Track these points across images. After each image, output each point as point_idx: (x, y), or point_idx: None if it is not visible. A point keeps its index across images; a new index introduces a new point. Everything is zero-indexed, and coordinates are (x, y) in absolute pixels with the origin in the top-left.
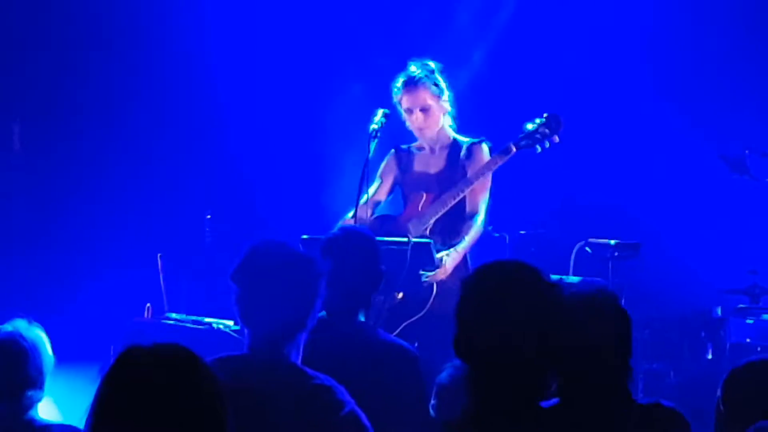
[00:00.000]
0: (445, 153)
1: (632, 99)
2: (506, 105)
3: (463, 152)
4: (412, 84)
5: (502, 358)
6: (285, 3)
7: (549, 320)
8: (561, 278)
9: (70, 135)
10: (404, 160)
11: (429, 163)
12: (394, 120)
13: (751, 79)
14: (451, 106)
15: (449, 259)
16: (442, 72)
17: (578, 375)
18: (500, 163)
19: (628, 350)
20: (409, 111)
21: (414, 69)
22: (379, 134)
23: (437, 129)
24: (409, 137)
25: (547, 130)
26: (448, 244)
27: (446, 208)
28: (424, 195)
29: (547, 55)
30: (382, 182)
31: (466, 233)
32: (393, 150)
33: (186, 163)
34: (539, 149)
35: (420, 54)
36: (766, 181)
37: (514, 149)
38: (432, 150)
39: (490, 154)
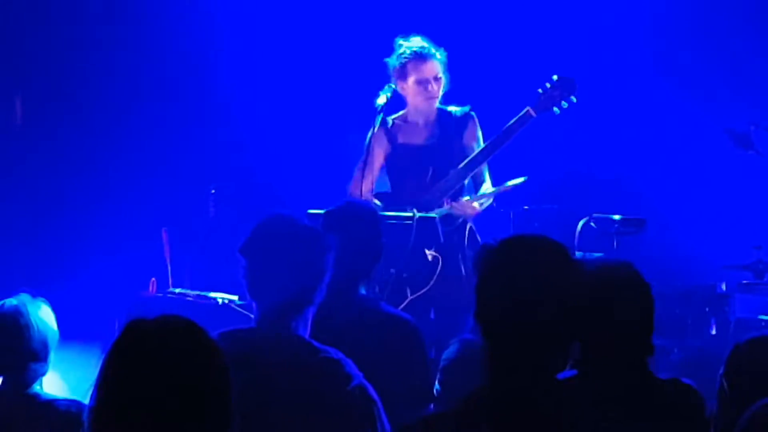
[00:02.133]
0: (434, 125)
1: (637, 73)
2: (509, 75)
3: (453, 122)
4: (428, 55)
5: (524, 330)
6: None
7: (572, 295)
8: (584, 255)
9: (75, 109)
10: (390, 133)
11: (419, 135)
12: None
13: (757, 53)
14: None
15: (478, 202)
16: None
17: (599, 348)
18: (519, 129)
19: (651, 326)
20: (424, 81)
21: (419, 42)
22: (385, 108)
23: (436, 101)
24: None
25: (562, 92)
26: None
27: (465, 181)
28: (431, 168)
29: (552, 28)
30: (375, 156)
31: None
32: (380, 124)
33: (190, 137)
34: (557, 111)
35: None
36: None
37: (534, 114)
38: (417, 122)
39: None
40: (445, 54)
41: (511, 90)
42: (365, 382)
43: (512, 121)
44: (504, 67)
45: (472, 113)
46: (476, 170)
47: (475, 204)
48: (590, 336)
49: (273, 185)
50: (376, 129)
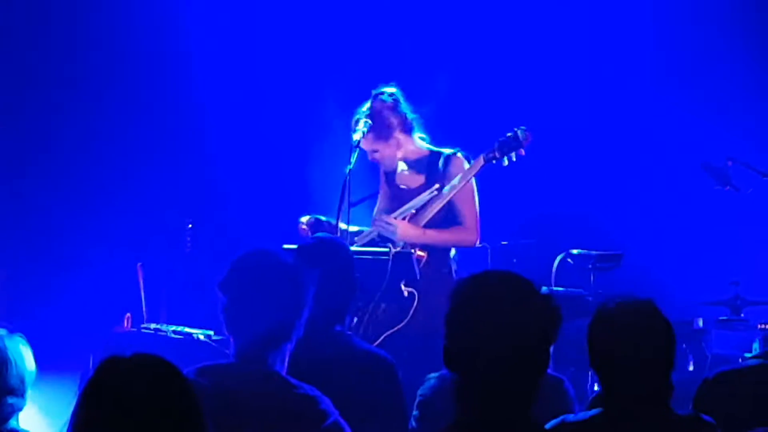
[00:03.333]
0: (424, 167)
1: (614, 109)
2: (485, 115)
3: (440, 164)
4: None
5: (492, 367)
6: (268, 15)
7: (540, 330)
8: (550, 289)
9: (50, 141)
10: (388, 176)
11: (410, 178)
12: None
13: (733, 89)
14: (415, 126)
15: (404, 223)
16: (397, 97)
17: (622, 386)
18: (470, 175)
19: (672, 363)
20: (371, 126)
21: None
22: (361, 144)
23: (396, 156)
24: None
25: (513, 144)
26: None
27: (425, 219)
28: (405, 206)
29: (527, 66)
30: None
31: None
32: (354, 157)
33: (167, 171)
34: (506, 162)
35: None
36: (749, 191)
37: (483, 161)
38: (410, 165)
39: (468, 162)
40: (398, 107)
41: (483, 125)
42: (341, 419)
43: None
44: (478, 103)
45: (459, 154)
46: (435, 204)
47: (399, 223)
48: (614, 374)
49: (249, 220)
50: (352, 166)
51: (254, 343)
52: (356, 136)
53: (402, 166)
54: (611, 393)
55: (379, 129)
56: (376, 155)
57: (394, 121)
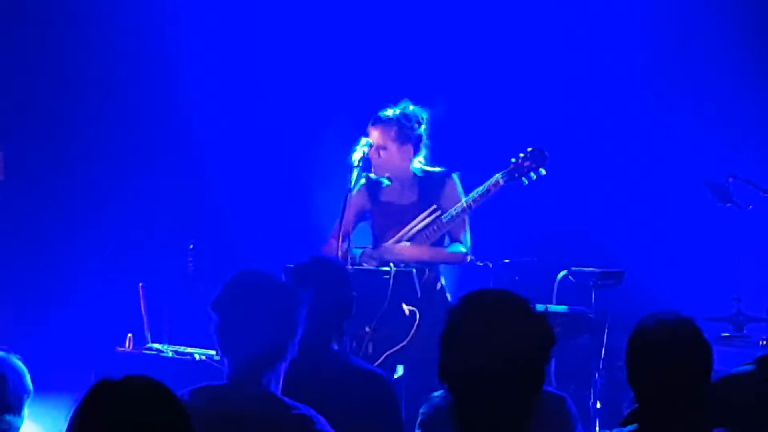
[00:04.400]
0: (416, 185)
1: (615, 126)
2: (485, 135)
3: (433, 182)
4: (373, 122)
5: (488, 385)
6: (267, 27)
7: (536, 348)
8: (546, 308)
9: (50, 159)
10: (372, 190)
11: (400, 195)
12: None
13: (735, 105)
14: (424, 148)
15: (407, 245)
16: (419, 116)
17: (658, 403)
18: (487, 196)
19: (709, 381)
20: (374, 147)
21: (389, 110)
22: (361, 164)
23: (393, 168)
24: None
25: (532, 164)
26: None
27: (430, 241)
28: (407, 228)
29: (526, 82)
30: (352, 213)
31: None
32: (363, 179)
33: (169, 191)
34: (525, 182)
35: (400, 82)
36: (750, 208)
37: (501, 182)
38: (401, 182)
39: (461, 184)
40: (416, 125)
41: (485, 145)
42: None
43: (481, 189)
44: (477, 123)
45: (453, 174)
46: (441, 231)
47: (401, 247)
48: (650, 391)
49: (252, 240)
50: (353, 185)
51: (248, 363)
52: (356, 156)
53: (391, 182)
54: (647, 410)
55: (404, 130)
56: (382, 153)
57: (415, 134)
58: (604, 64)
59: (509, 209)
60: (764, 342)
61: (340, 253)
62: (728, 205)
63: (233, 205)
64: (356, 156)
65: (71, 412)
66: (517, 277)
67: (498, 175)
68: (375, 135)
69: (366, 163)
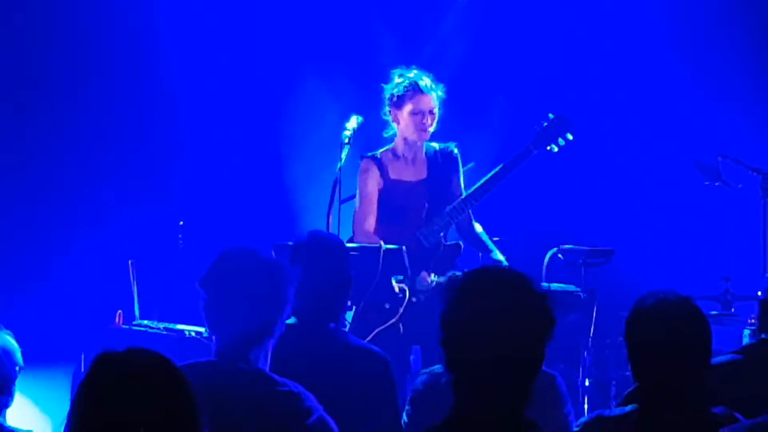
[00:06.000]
0: (423, 160)
1: (604, 106)
2: (485, 109)
3: (440, 158)
4: (428, 88)
5: (487, 360)
6: (256, 10)
7: (536, 327)
8: (549, 286)
9: (40, 137)
10: (382, 168)
11: (409, 171)
12: (363, 127)
13: (725, 85)
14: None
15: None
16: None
17: (658, 382)
18: (518, 165)
19: (708, 360)
20: (420, 113)
21: (421, 74)
22: (351, 141)
23: (424, 137)
24: (378, 144)
25: (558, 129)
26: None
27: (461, 216)
28: (426, 204)
29: (524, 58)
30: (372, 195)
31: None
32: (370, 159)
33: (159, 168)
34: (555, 148)
35: (396, 59)
36: (739, 187)
37: (534, 150)
38: (407, 157)
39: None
40: (443, 90)
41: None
42: (325, 415)
43: (512, 158)
44: (477, 97)
45: (457, 151)
46: (474, 204)
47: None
48: (650, 370)
49: (241, 218)
50: (342, 163)
51: (236, 340)
52: (347, 132)
53: (408, 156)
54: (647, 389)
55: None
56: (431, 119)
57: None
58: (593, 44)
59: (499, 187)
60: (752, 320)
61: (333, 229)
62: (717, 184)
63: (223, 183)
64: (347, 132)
65: (73, 386)
66: (506, 255)
67: (528, 145)
68: (429, 100)
69: (356, 140)
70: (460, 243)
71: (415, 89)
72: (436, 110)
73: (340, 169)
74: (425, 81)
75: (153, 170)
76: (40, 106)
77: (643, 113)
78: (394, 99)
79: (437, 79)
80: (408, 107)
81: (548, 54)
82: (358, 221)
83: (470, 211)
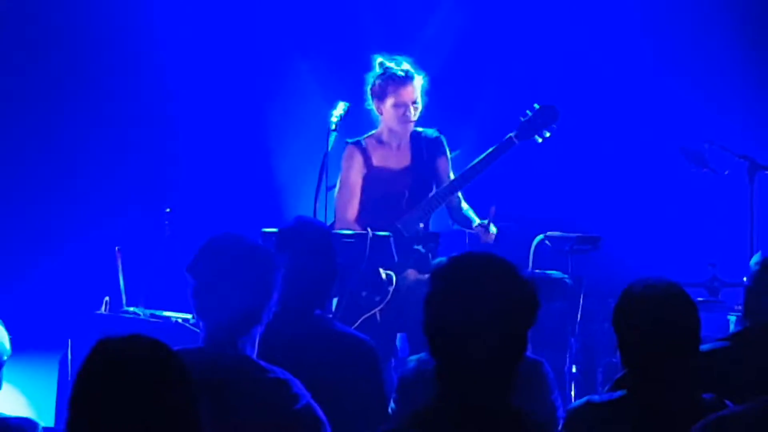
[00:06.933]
0: (407, 147)
1: (591, 93)
2: (471, 99)
3: (424, 144)
4: (409, 78)
5: (471, 349)
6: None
7: (521, 313)
8: (533, 272)
9: (26, 126)
10: (365, 155)
11: (393, 158)
12: (350, 113)
13: (710, 72)
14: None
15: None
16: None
17: (647, 368)
18: (500, 156)
19: (698, 346)
20: (402, 105)
21: (403, 64)
22: (338, 127)
23: (407, 128)
24: (365, 130)
25: (543, 120)
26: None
27: (439, 206)
28: (407, 192)
29: (510, 50)
30: (355, 183)
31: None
32: (354, 145)
33: (146, 155)
34: (539, 139)
35: (382, 46)
36: (725, 174)
37: (516, 141)
38: (392, 144)
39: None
40: (426, 78)
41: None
42: (312, 402)
43: (494, 148)
44: (464, 89)
45: (442, 136)
46: (452, 195)
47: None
48: (639, 356)
49: (228, 204)
50: (329, 149)
51: (223, 326)
52: (333, 119)
53: (393, 143)
54: (636, 375)
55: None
56: (414, 109)
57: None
58: (578, 32)
59: (485, 174)
60: (739, 307)
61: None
62: (704, 170)
63: (210, 169)
64: (334, 119)
65: (70, 372)
66: (492, 242)
67: (511, 135)
68: (412, 91)
69: (342, 126)
70: (438, 233)
71: (396, 81)
72: (419, 100)
73: (326, 155)
74: (408, 71)
75: (139, 157)
76: (25, 95)
77: (629, 100)
78: (376, 91)
79: (426, 66)
80: (390, 100)
81: (535, 41)
82: (340, 208)
83: (461, 194)
